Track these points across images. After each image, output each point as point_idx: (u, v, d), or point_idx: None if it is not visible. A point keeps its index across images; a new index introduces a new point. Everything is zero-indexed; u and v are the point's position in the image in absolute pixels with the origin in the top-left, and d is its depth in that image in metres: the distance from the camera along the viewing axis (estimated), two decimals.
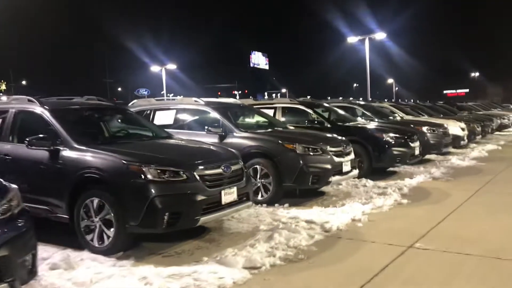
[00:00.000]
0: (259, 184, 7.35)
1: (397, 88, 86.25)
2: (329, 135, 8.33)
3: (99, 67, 73.41)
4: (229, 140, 7.68)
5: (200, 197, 4.92)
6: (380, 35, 33.03)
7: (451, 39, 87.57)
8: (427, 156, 12.80)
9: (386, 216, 6.61)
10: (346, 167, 7.68)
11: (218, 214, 5.18)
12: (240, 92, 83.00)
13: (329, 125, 9.97)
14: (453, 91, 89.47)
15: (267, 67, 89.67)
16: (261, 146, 7.39)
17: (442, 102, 24.97)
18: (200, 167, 5.05)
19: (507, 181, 9.23)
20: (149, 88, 51.52)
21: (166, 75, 51.14)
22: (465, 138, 14.60)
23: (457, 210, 6.86)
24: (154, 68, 45.28)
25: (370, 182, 9.02)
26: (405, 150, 9.63)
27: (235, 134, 7.69)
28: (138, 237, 5.19)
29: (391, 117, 13.24)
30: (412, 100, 30.67)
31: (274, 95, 74.39)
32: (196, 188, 4.92)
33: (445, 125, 13.00)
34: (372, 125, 10.43)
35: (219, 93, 77.43)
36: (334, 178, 7.42)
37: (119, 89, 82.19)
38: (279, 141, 7.35)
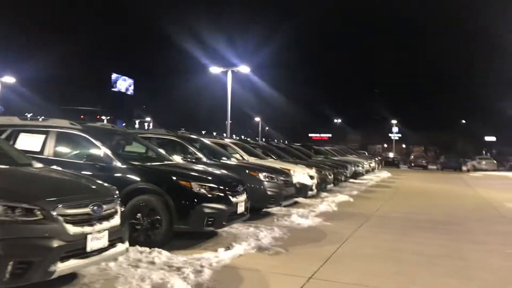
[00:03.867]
0: None
1: (267, 128, 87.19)
2: (83, 183, 5.09)
3: None
4: None
5: None
6: (244, 69, 31.33)
7: (313, 85, 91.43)
8: (268, 209, 10.28)
9: None
10: (96, 243, 4.45)
11: None
12: (109, 117, 76.20)
13: (119, 165, 6.78)
14: (318, 134, 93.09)
15: (131, 92, 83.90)
16: None
17: (299, 144, 23.43)
18: None
19: (353, 257, 6.77)
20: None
21: (13, 93, 44.45)
22: (314, 187, 12.50)
23: None
24: None
25: (163, 255, 5.94)
26: (221, 207, 6.73)
27: None
28: None
29: (224, 158, 10.48)
30: (281, 141, 29.34)
31: (146, 125, 69.30)
32: None
33: (290, 172, 10.65)
34: (181, 168, 7.43)
35: (82, 116, 70.07)
36: (61, 266, 4.11)
37: None
38: None
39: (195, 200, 6.55)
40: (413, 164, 56.24)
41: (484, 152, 70.85)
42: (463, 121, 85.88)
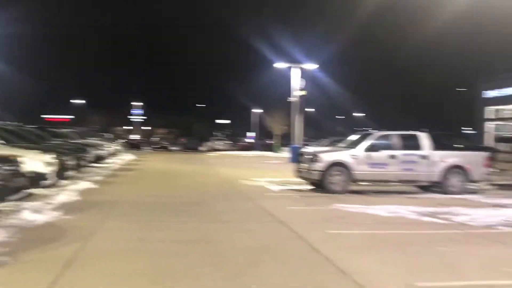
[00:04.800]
0: None
1: None
2: None
3: None
4: None
5: None
6: None
7: (53, 63, 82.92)
8: None
9: None
10: None
11: None
12: None
13: None
14: (56, 116, 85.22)
15: None
16: None
17: (35, 126, 20.45)
18: None
19: (101, 255, 5.84)
20: None
21: None
22: (52, 175, 10.89)
23: None
24: None
25: None
26: None
27: None
28: None
29: None
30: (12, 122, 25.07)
31: None
32: None
33: (19, 159, 8.88)
34: None
35: None
36: None
37: None
38: None
39: None
40: (156, 146, 57.49)
41: (217, 133, 77.99)
42: (201, 105, 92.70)
